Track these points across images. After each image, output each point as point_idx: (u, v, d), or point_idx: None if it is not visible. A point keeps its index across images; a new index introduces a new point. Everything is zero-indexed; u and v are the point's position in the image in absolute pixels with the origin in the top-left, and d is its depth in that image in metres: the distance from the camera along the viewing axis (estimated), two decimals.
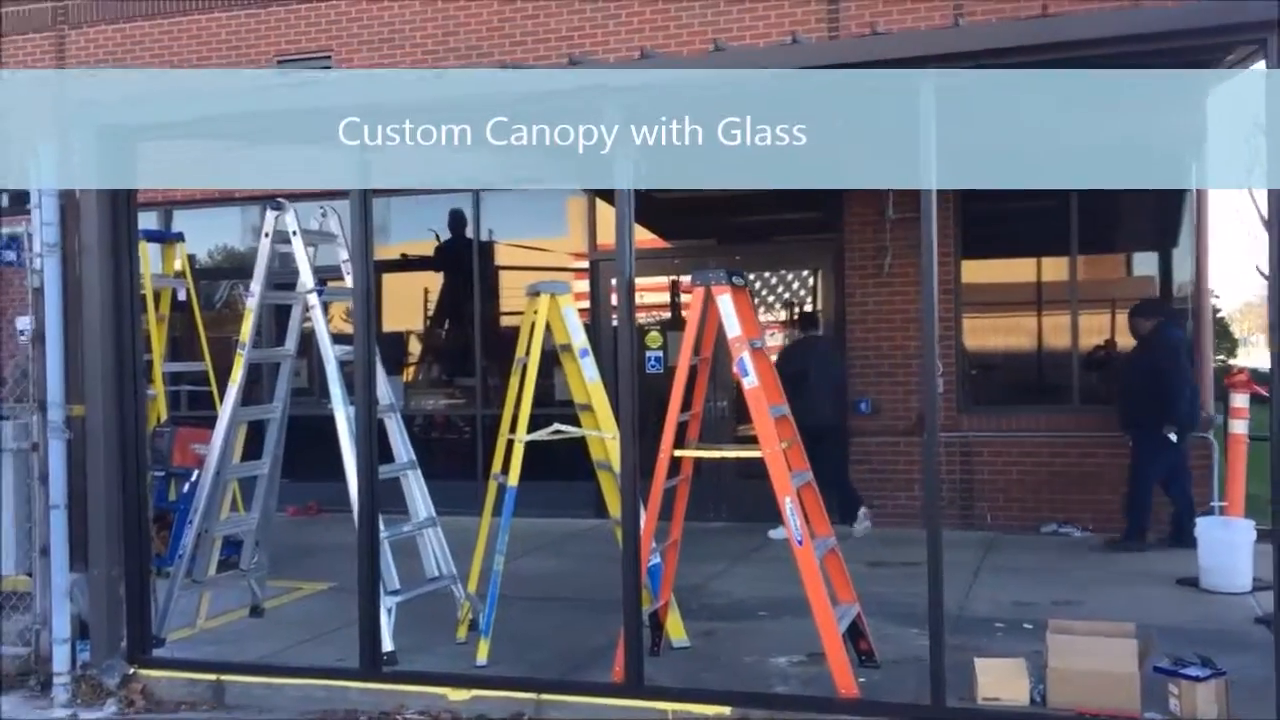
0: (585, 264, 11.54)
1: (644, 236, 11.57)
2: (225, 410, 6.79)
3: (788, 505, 5.46)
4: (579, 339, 6.38)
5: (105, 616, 6.29)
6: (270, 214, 6.67)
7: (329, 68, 11.96)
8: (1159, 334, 8.97)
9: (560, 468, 10.16)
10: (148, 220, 11.44)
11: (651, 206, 11.67)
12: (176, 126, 6.14)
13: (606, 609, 7.40)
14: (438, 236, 12.17)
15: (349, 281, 7.04)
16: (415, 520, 6.91)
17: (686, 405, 5.85)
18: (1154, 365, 8.76)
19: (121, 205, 6.30)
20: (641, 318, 11.49)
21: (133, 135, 6.24)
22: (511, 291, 12.46)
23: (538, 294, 6.43)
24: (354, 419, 6.46)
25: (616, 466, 6.34)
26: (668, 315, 11.46)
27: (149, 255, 9.39)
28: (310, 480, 9.90)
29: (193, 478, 8.99)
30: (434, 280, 12.45)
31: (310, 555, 9.39)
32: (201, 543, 6.88)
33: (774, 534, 9.41)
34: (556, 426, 6.47)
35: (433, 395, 12.44)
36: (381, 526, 6.28)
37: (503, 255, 12.12)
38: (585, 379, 6.38)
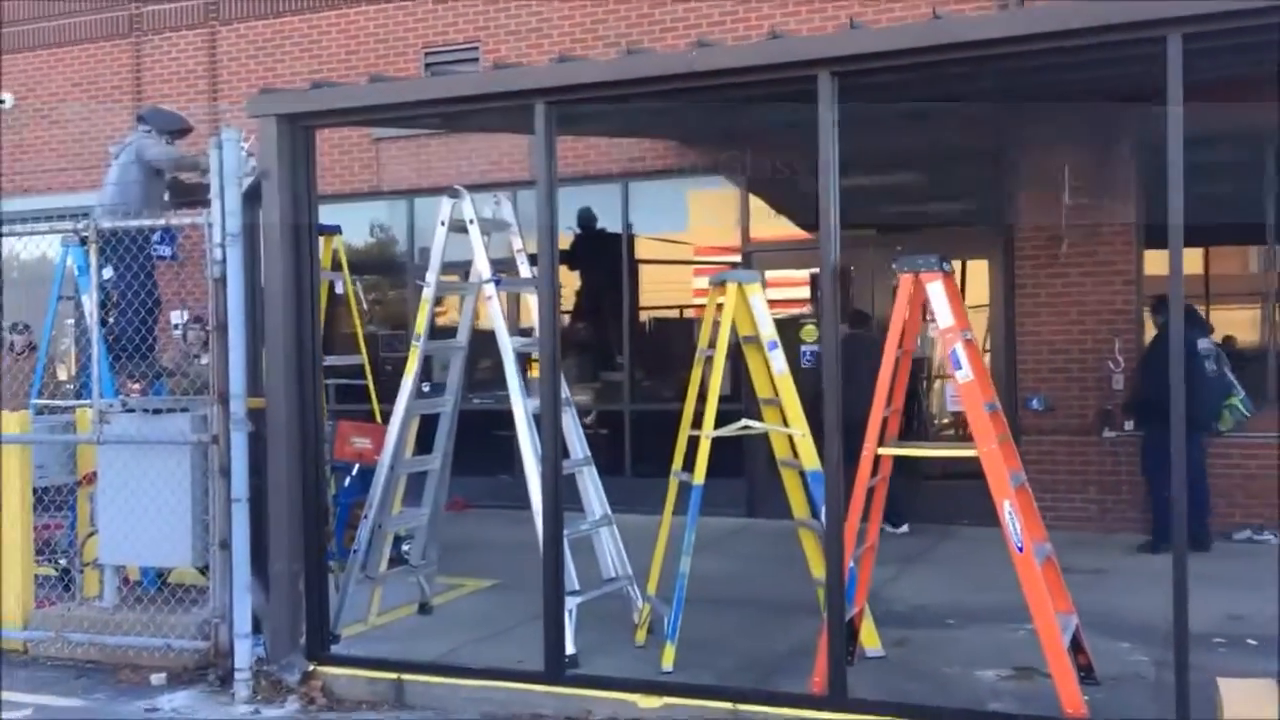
0: (737, 257, 11.21)
1: (787, 229, 11.26)
2: (400, 404, 6.64)
3: (1007, 509, 5.08)
4: (768, 330, 6.07)
5: (286, 612, 6.20)
6: (448, 201, 6.50)
7: (476, 60, 11.85)
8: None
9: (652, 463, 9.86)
10: None
11: (797, 196, 11.37)
12: (358, 113, 6.00)
13: (785, 612, 7.12)
14: (576, 231, 11.99)
15: (523, 271, 6.88)
16: (591, 518, 6.68)
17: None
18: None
19: (302, 193, 6.20)
20: (789, 312, 11.15)
21: (314, 121, 6.11)
22: (657, 286, 12.22)
23: (724, 283, 6.14)
24: (532, 414, 6.30)
25: (807, 464, 6.04)
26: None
27: None
28: (456, 475, 9.80)
29: (353, 471, 8.97)
30: (568, 276, 12.27)
31: (467, 551, 9.25)
32: (375, 538, 6.76)
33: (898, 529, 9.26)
34: (745, 422, 6.18)
35: (578, 391, 12.23)
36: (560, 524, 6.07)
37: (646, 249, 11.88)
38: (774, 372, 6.07)
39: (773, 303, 6.63)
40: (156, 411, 7.19)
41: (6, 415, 7.27)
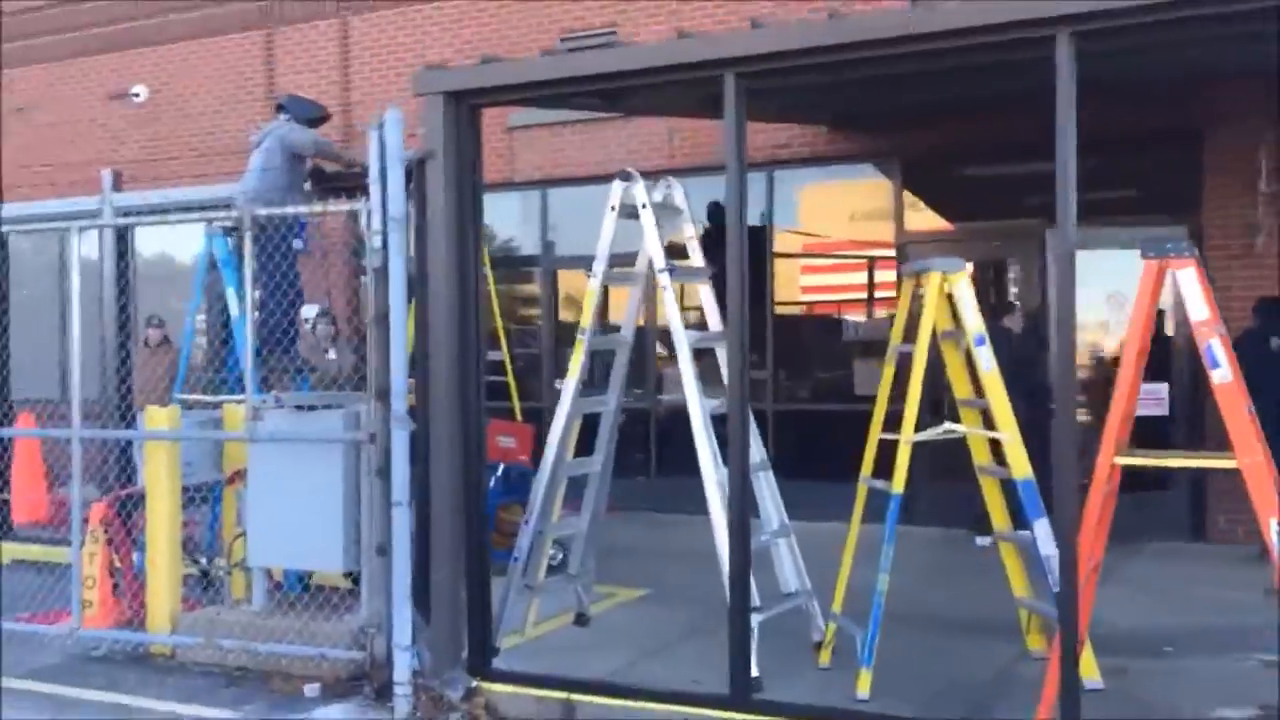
0: (890, 250, 10.61)
1: (938, 221, 10.64)
2: (564, 402, 6.22)
3: (1274, 528, 4.45)
4: (974, 324, 5.50)
5: (447, 623, 5.83)
6: (618, 185, 6.05)
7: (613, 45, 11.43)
8: None
9: (824, 467, 9.33)
10: None
11: (950, 184, 10.72)
12: (530, 89, 5.57)
13: (974, 633, 6.54)
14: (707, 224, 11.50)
15: (695, 260, 6.41)
16: (769, 529, 6.18)
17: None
18: None
19: (467, 178, 5.80)
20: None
21: (483, 99, 5.71)
22: (800, 280, 11.67)
23: (924, 272, 5.59)
24: (708, 414, 5.83)
25: (1017, 472, 5.46)
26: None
27: None
28: None
29: (498, 472, 8.61)
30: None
31: (613, 557, 8.79)
32: (536, 545, 6.34)
33: (981, 541, 8.37)
34: (948, 425, 5.62)
35: (716, 390, 11.70)
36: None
37: (788, 242, 11.34)
38: (981, 370, 5.49)
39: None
40: (308, 408, 6.91)
41: (155, 411, 7.04)
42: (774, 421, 10.97)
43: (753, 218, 11.12)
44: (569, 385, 6.22)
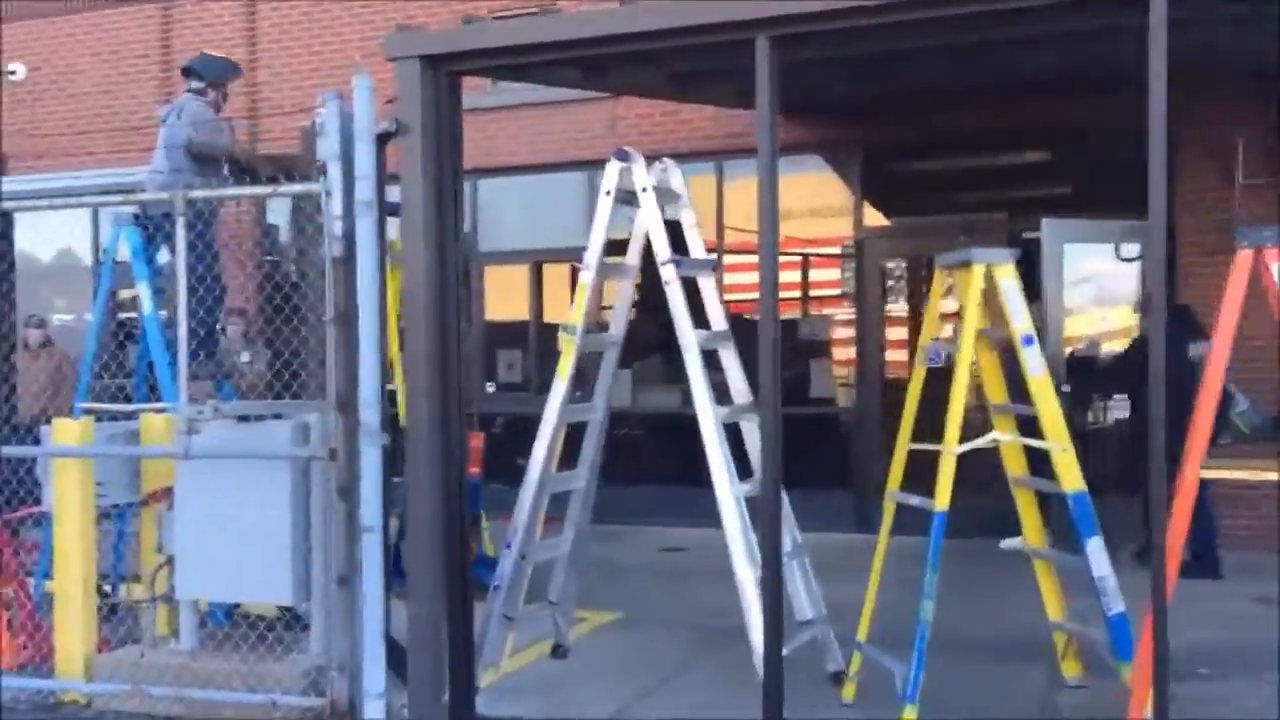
0: (843, 247, 10.15)
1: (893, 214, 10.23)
2: (551, 409, 5.52)
3: None
4: (1021, 322, 4.98)
5: (428, 664, 5.08)
6: (613, 166, 5.38)
7: None
8: None
9: (794, 474, 8.89)
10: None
11: (911, 176, 10.32)
12: (523, 53, 4.86)
13: (1000, 655, 6.03)
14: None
15: (695, 251, 5.78)
16: (782, 548, 5.56)
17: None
18: None
19: (446, 155, 5.07)
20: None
21: (465, 64, 4.98)
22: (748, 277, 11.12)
23: (965, 265, 5.05)
24: (721, 424, 5.21)
25: (1068, 485, 4.97)
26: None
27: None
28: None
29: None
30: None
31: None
32: (518, 571, 5.63)
33: (1006, 544, 7.97)
34: (995, 435, 5.10)
35: (659, 394, 11.10)
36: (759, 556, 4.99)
37: (740, 237, 10.79)
38: (1029, 373, 4.98)
39: None
40: (247, 419, 6.08)
41: (63, 424, 6.11)
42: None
43: (707, 212, 10.57)
44: (557, 391, 5.52)
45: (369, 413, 5.10)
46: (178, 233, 5.55)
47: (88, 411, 7.41)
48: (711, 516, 8.85)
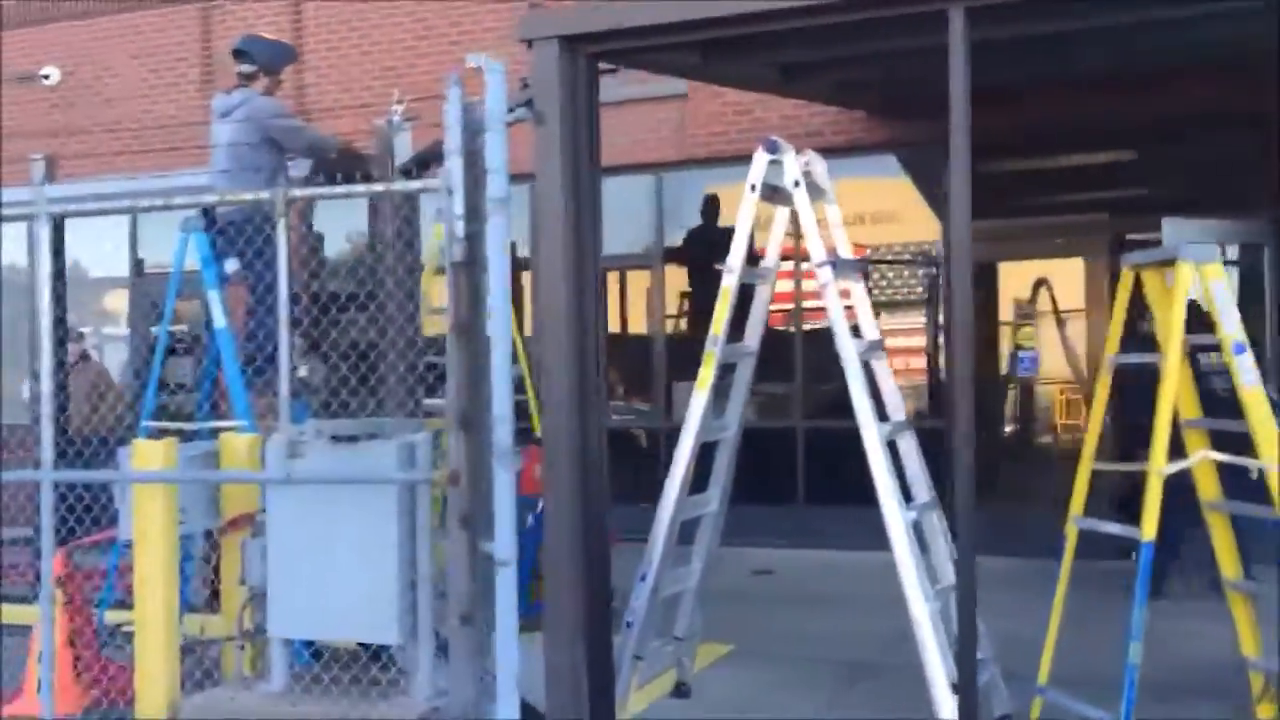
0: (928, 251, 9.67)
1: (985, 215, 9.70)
2: (690, 426, 5.03)
3: None
4: (1232, 328, 4.47)
5: (569, 713, 4.56)
6: (760, 157, 4.90)
7: None
8: None
9: (853, 489, 8.47)
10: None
11: (1005, 175, 9.83)
12: (680, 31, 4.38)
13: (1181, 696, 5.47)
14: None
15: (844, 251, 5.29)
16: (945, 580, 5.06)
17: None
18: None
19: (584, 147, 4.58)
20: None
21: (609, 45, 4.50)
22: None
23: (1162, 264, 4.55)
24: (885, 441, 4.72)
25: None
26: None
27: None
28: None
29: (537, 508, 7.33)
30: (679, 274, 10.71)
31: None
32: (652, 604, 5.13)
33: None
34: (1205, 453, 4.59)
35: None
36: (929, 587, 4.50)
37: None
38: (1241, 384, 4.47)
39: None
40: (347, 439, 5.57)
41: (146, 446, 5.59)
42: (804, 440, 9.93)
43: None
44: (696, 406, 5.04)
45: (501, 432, 4.58)
46: (278, 236, 5.04)
47: (157, 431, 6.95)
48: (791, 536, 8.36)
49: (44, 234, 5.30)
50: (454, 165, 4.76)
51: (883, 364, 5.10)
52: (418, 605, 5.22)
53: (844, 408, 10.48)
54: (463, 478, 4.80)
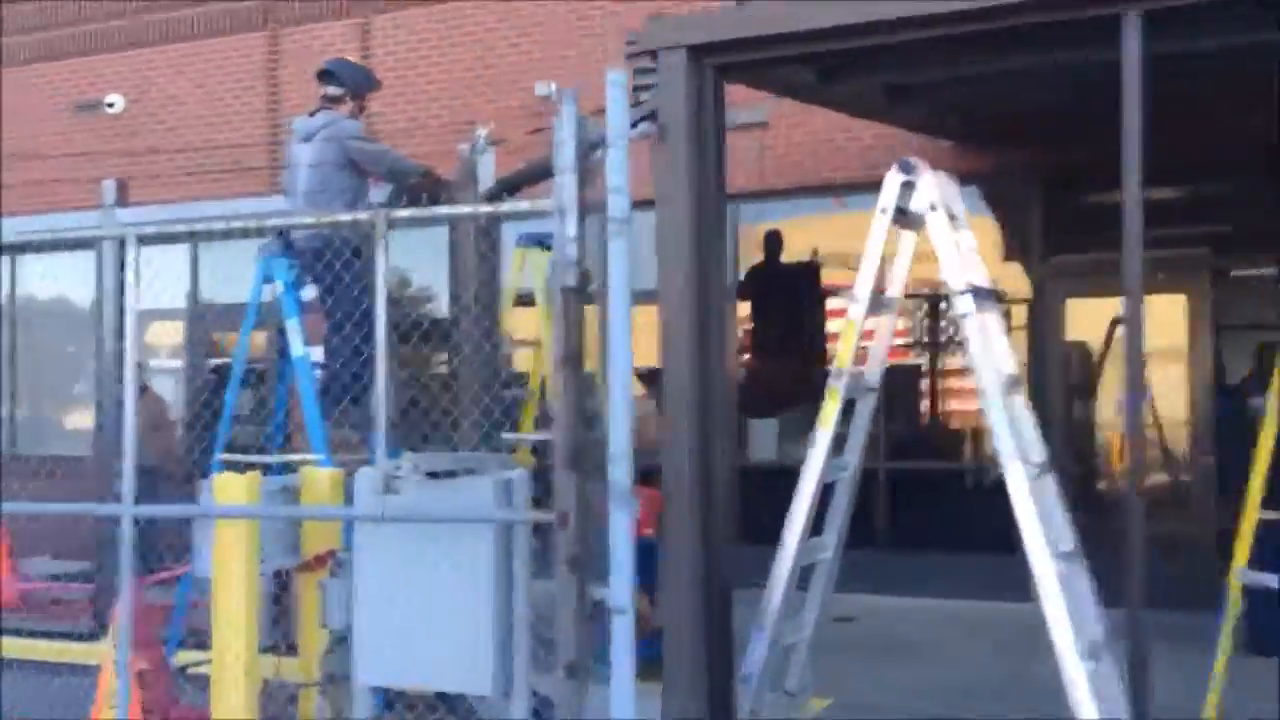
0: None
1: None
2: (813, 464, 4.68)
3: None
4: None
5: None
6: (893, 178, 4.57)
7: None
8: None
9: (977, 538, 8.08)
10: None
11: (1097, 207, 9.46)
12: (826, 38, 4.07)
13: None
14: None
15: (977, 280, 4.93)
16: (1097, 634, 4.65)
17: None
18: None
19: (711, 166, 4.28)
20: None
21: (738, 56, 4.20)
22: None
23: None
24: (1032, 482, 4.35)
25: None
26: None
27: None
28: None
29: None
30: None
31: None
32: (770, 658, 4.77)
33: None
34: None
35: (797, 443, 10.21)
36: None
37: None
38: None
39: None
40: (443, 475, 5.26)
41: (227, 480, 5.31)
42: (887, 482, 9.54)
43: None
44: (820, 445, 4.68)
45: (619, 470, 4.26)
46: (377, 261, 4.75)
47: (227, 464, 6.68)
48: (869, 582, 7.93)
49: (130, 258, 5.04)
50: (566, 183, 4.47)
51: (1020, 401, 4.73)
52: (512, 654, 4.93)
53: (924, 448, 10.17)
54: (573, 519, 4.49)
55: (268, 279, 6.71)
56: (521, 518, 4.69)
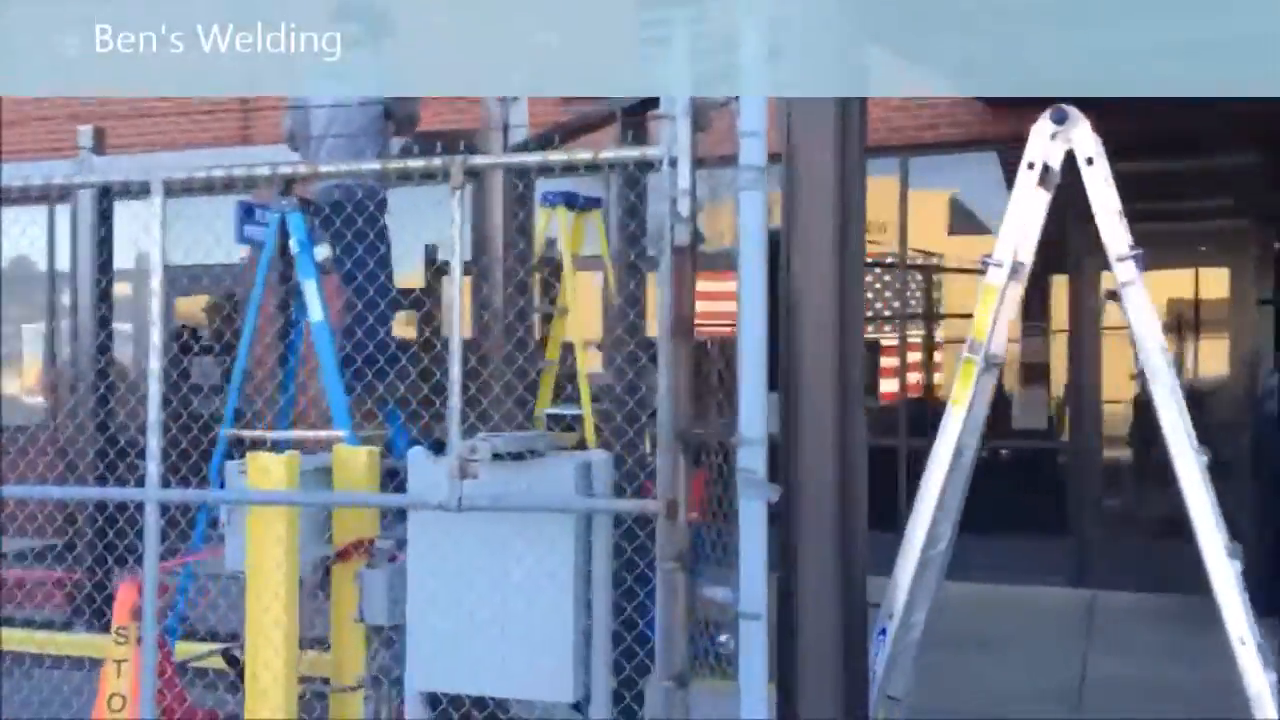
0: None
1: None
2: (944, 448, 4.21)
3: None
4: None
5: None
6: (1043, 127, 4.09)
7: None
8: None
9: (1008, 518, 7.72)
10: None
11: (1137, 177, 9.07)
12: None
13: None
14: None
15: (1120, 245, 4.46)
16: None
17: None
18: None
19: (855, 113, 3.75)
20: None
21: None
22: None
23: None
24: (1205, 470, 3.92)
25: None
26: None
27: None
28: None
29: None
30: None
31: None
32: (891, 659, 4.30)
33: None
34: None
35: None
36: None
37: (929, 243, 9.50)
38: None
39: None
40: (510, 457, 4.69)
41: (263, 460, 4.67)
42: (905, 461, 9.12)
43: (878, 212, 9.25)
44: (949, 422, 4.22)
45: (751, 455, 3.73)
46: (453, 212, 4.14)
47: (235, 440, 6.05)
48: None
49: (156, 205, 4.36)
50: (681, 128, 3.91)
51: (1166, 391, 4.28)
52: (592, 657, 4.43)
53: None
54: (679, 508, 3.97)
55: (284, 238, 6.07)
56: (627, 507, 4.15)
